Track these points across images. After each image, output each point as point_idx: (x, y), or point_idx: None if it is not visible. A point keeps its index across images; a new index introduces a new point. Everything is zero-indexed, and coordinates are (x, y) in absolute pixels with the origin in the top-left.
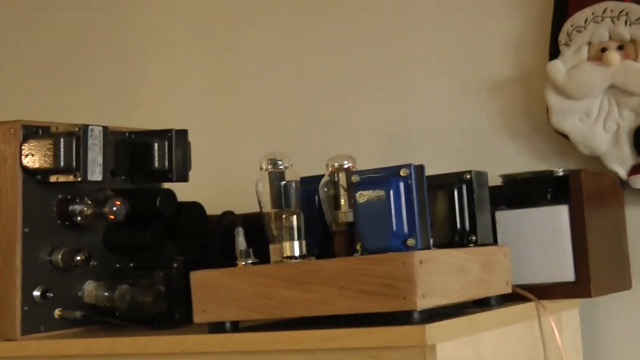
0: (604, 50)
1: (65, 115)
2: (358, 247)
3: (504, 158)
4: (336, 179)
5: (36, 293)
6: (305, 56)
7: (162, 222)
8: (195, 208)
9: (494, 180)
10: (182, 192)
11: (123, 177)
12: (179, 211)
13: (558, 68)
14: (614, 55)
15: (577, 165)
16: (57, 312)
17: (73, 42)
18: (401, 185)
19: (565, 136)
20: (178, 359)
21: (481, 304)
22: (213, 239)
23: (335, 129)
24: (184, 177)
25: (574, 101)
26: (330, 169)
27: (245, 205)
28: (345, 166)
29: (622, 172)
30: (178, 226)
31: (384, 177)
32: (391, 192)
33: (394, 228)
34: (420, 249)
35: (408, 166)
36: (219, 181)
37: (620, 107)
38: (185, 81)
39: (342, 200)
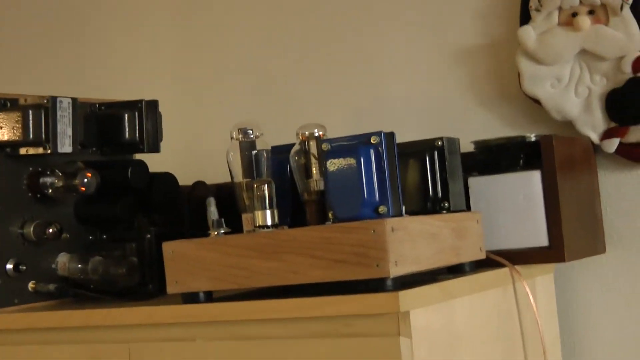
0: (574, 15)
1: (32, 88)
2: (330, 215)
3: (476, 125)
4: (307, 148)
5: (9, 266)
6: (275, 25)
7: (134, 193)
8: (166, 179)
9: (466, 147)
10: (154, 163)
11: (93, 149)
12: (151, 182)
13: (529, 33)
14: (584, 20)
15: (549, 131)
16: (30, 285)
17: (39, 12)
18: (372, 152)
19: (537, 102)
20: (152, 330)
21: (454, 271)
22: (185, 209)
23: (304, 98)
24: (155, 148)
25: (545, 67)
26: (300, 138)
27: (216, 175)
28: (316, 134)
29: (595, 137)
30: (150, 197)
31: (355, 145)
32: (362, 159)
33: (365, 196)
34: (392, 217)
35: (378, 133)
36: (190, 151)
37: (591, 72)
38: (154, 51)
39: (313, 169)
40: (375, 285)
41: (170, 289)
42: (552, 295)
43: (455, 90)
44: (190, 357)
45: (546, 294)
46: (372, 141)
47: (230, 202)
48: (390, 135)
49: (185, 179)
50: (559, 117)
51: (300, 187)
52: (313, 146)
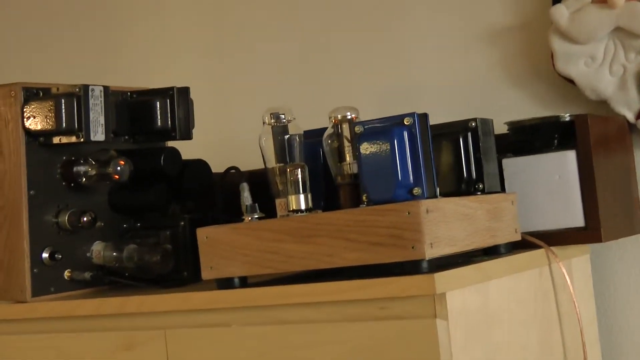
0: None
1: (63, 78)
2: (364, 198)
3: (509, 106)
4: (339, 131)
5: (45, 255)
6: (304, 10)
7: (167, 181)
8: (199, 166)
9: (500, 128)
10: (186, 150)
11: (126, 138)
12: (184, 170)
13: (561, 12)
14: None
15: (584, 110)
16: (66, 274)
17: (68, 3)
18: (405, 134)
19: (570, 81)
20: (187, 317)
21: (489, 252)
22: (218, 196)
23: (335, 82)
24: (187, 135)
25: (578, 45)
26: (333, 121)
27: (249, 161)
28: (349, 117)
29: (630, 116)
30: (183, 185)
31: (388, 127)
32: (395, 141)
33: (400, 178)
34: (427, 198)
35: (412, 115)
36: (222, 138)
37: (626, 49)
38: (186, 37)
39: (347, 152)
40: (410, 268)
41: (205, 274)
42: (588, 276)
43: (487, 71)
44: (225, 343)
45: (582, 275)
46: (405, 123)
47: (263, 188)
48: (424, 117)
49: (217, 166)
50: (593, 96)
51: (333, 170)
52: (346, 129)
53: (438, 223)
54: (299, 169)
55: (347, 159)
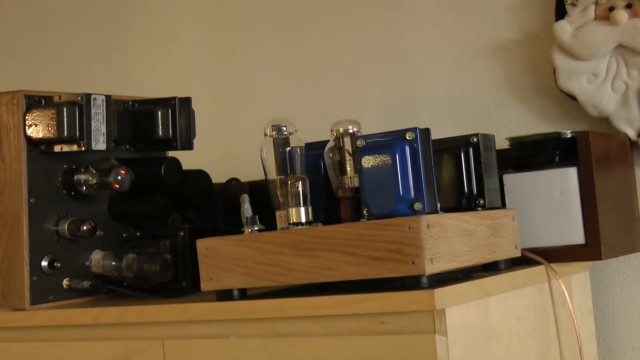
0: (611, 9)
1: (66, 85)
2: (364, 212)
3: (511, 121)
4: (341, 144)
5: (44, 263)
6: (307, 22)
7: (167, 190)
8: (200, 176)
9: (501, 143)
10: (187, 160)
11: (127, 147)
12: (184, 179)
13: (564, 28)
14: (621, 14)
15: (585, 127)
16: (65, 282)
17: (71, 10)
18: (407, 149)
19: (572, 97)
20: (186, 327)
21: (490, 268)
22: (218, 207)
23: (338, 95)
24: (188, 145)
25: (581, 62)
26: (335, 134)
27: (250, 172)
28: (350, 131)
29: (632, 133)
30: (183, 195)
31: (390, 141)
32: (397, 156)
33: (401, 192)
34: (428, 213)
35: (414, 130)
36: (224, 149)
37: (628, 66)
38: (187, 48)
39: (348, 166)
40: (410, 283)
41: (204, 285)
42: (588, 293)
43: (489, 86)
44: (224, 355)
45: (582, 292)
46: (407, 137)
47: (264, 199)
48: (426, 131)
49: (218, 177)
50: (595, 112)
51: (334, 183)
52: (347, 143)
53: (439, 238)
54: (300, 182)
55: (349, 172)
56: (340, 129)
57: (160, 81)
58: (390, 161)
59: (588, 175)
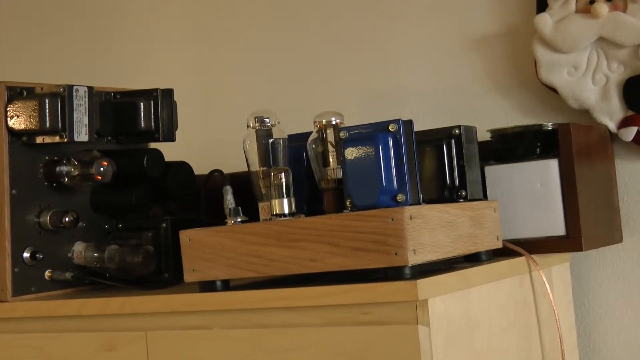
0: (592, 2)
1: (48, 77)
2: (347, 203)
3: (492, 114)
4: (324, 136)
5: (26, 255)
6: (291, 13)
7: (150, 182)
8: (182, 168)
9: (483, 135)
10: (169, 152)
11: (109, 138)
12: (166, 171)
13: (545, 21)
14: (602, 7)
15: (566, 119)
16: (47, 274)
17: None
18: (390, 140)
19: (553, 90)
20: (169, 319)
21: (471, 259)
22: (201, 198)
23: (320, 87)
24: (170, 137)
25: (562, 54)
26: (318, 126)
27: (233, 164)
28: (333, 122)
29: (612, 125)
30: (166, 186)
31: (373, 133)
32: (380, 147)
33: (384, 184)
34: (410, 205)
35: (397, 121)
36: (206, 140)
37: (609, 59)
38: (170, 39)
39: (331, 157)
40: (393, 274)
41: (187, 277)
42: (568, 284)
43: (470, 78)
44: (207, 346)
45: (562, 283)
46: (390, 129)
47: (246, 191)
48: (409, 123)
49: (200, 168)
50: (576, 105)
51: (317, 175)
52: (330, 134)
53: (421, 230)
54: (283, 173)
55: (332, 164)
56: (324, 121)
57: (143, 73)
58: (373, 153)
59: (569, 167)
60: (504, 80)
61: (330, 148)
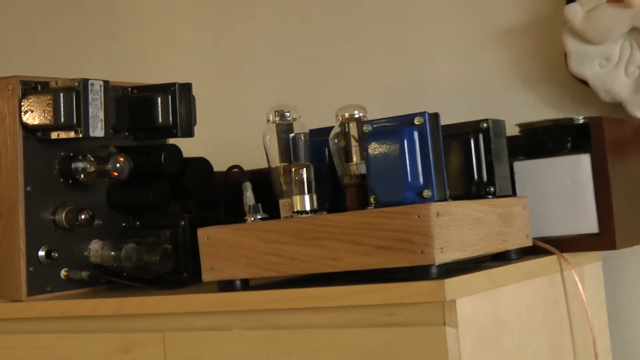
0: None
1: (63, 72)
2: (371, 200)
3: (520, 108)
4: (347, 130)
5: (41, 253)
6: (311, 7)
7: (167, 179)
8: (201, 164)
9: (511, 130)
10: (187, 148)
11: (126, 134)
12: (185, 168)
13: (576, 11)
14: None
15: (597, 113)
16: (63, 273)
17: None
18: (415, 134)
19: (584, 82)
20: (187, 319)
21: (500, 258)
22: (220, 195)
23: (342, 80)
24: (188, 133)
25: (593, 46)
26: (340, 119)
27: (253, 160)
28: (356, 116)
29: None
30: (184, 183)
31: (397, 126)
32: (405, 141)
33: (409, 179)
34: (437, 201)
35: (422, 114)
36: (225, 136)
37: None
38: (188, 34)
39: (354, 152)
40: (419, 273)
41: (206, 276)
42: (600, 283)
43: (497, 71)
44: (226, 347)
45: (594, 283)
46: (415, 122)
47: (266, 188)
48: (435, 116)
49: (219, 165)
50: (608, 98)
51: (339, 171)
52: (353, 128)
53: (448, 227)
54: (304, 169)
55: (354, 159)
56: (346, 114)
57: (160, 67)
58: (398, 147)
59: (601, 162)
60: (531, 73)
61: (353, 142)
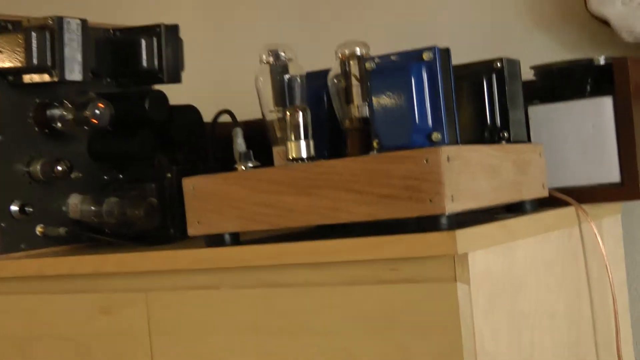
0: None
1: (37, 12)
2: (375, 144)
3: (535, 50)
4: (347, 69)
5: (14, 208)
6: None
7: (153, 128)
8: (189, 112)
9: (526, 74)
10: (175, 95)
11: (108, 80)
12: (171, 116)
13: None
14: None
15: (618, 54)
16: (38, 229)
17: None
18: (424, 71)
19: (604, 23)
20: (171, 278)
21: (513, 209)
22: (209, 145)
23: (343, 22)
24: (175, 78)
25: None
26: (340, 57)
27: (245, 109)
28: (358, 53)
29: None
30: (170, 132)
31: (404, 63)
32: (413, 79)
33: (417, 121)
34: (448, 145)
35: (432, 49)
36: (215, 82)
37: None
38: None
39: (355, 93)
40: (427, 224)
41: (192, 230)
42: (619, 237)
43: (512, 11)
44: (213, 307)
45: (614, 237)
46: (424, 58)
47: (261, 142)
48: (445, 52)
49: (209, 114)
50: (631, 38)
51: (340, 114)
52: (354, 66)
53: (460, 173)
54: (301, 112)
55: (356, 100)
56: (347, 51)
57: (145, 7)
58: (404, 85)
59: (625, 106)
60: (548, 13)
61: (355, 82)
